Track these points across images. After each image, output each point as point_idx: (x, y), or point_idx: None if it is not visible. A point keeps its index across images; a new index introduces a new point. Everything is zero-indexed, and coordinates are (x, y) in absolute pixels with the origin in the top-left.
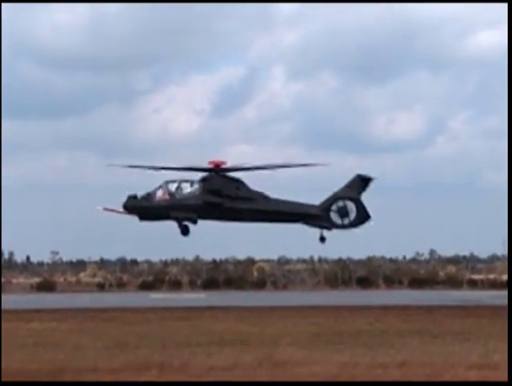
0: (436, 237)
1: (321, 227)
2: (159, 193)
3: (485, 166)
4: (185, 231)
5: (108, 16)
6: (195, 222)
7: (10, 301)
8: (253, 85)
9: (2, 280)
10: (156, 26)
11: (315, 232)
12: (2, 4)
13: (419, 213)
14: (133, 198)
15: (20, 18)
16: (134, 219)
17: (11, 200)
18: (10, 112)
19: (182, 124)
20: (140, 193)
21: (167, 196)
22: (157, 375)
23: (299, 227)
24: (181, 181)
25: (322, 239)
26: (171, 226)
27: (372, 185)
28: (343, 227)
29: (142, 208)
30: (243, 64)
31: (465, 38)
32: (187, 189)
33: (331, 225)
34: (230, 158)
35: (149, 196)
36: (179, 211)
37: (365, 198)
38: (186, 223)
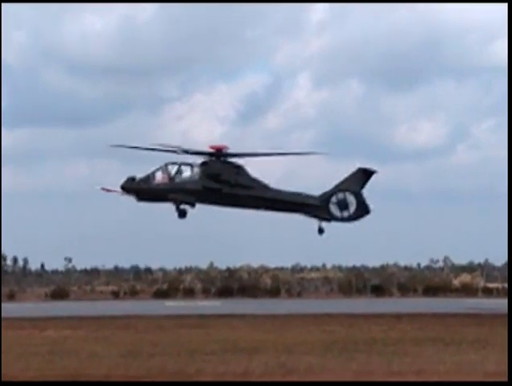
0: (452, 244)
1: (320, 218)
2: (159, 175)
3: (503, 173)
4: (182, 214)
5: (136, 24)
6: (193, 205)
7: (25, 309)
8: (278, 93)
9: (16, 288)
10: (183, 35)
11: (329, 240)
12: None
13: (436, 220)
14: (131, 179)
15: (50, 26)
16: (149, 228)
17: (29, 208)
18: (34, 119)
19: (205, 131)
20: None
21: (166, 179)
22: (171, 383)
23: (312, 236)
24: (181, 164)
25: (320, 231)
26: (185, 235)
27: (392, 192)
28: (342, 219)
29: (141, 190)
30: (268, 72)
31: (491, 45)
32: (186, 172)
33: (330, 217)
34: (250, 166)
35: (148, 178)
36: (177, 193)
37: (383, 204)
38: (184, 206)
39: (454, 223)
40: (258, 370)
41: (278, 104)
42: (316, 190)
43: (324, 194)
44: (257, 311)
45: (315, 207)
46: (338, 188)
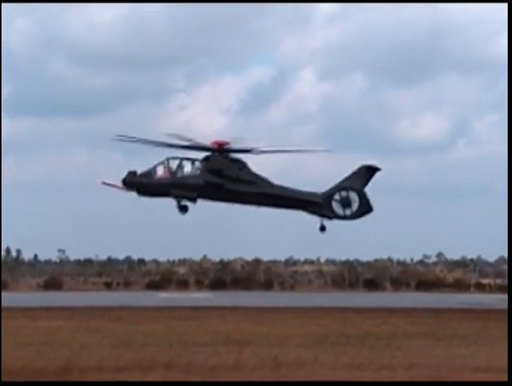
0: (446, 240)
1: (322, 215)
2: (160, 170)
3: (504, 170)
4: (183, 209)
5: (144, 15)
6: (194, 201)
7: (18, 299)
8: (282, 86)
9: (9, 279)
10: (190, 26)
11: (323, 235)
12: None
13: (432, 216)
14: (132, 174)
15: (57, 16)
16: (142, 218)
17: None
18: (36, 108)
19: (208, 122)
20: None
21: (167, 174)
22: (163, 374)
23: (306, 229)
24: (183, 159)
25: (322, 228)
26: (180, 226)
27: (390, 186)
28: (344, 217)
29: (142, 184)
30: (273, 64)
31: (496, 40)
32: (188, 167)
33: (332, 214)
34: (250, 160)
35: (149, 173)
36: (178, 189)
37: (380, 199)
38: (185, 202)
39: (449, 219)
40: (250, 362)
41: (281, 96)
42: (317, 185)
43: (327, 191)
44: (249, 304)
45: (318, 205)
46: (341, 186)
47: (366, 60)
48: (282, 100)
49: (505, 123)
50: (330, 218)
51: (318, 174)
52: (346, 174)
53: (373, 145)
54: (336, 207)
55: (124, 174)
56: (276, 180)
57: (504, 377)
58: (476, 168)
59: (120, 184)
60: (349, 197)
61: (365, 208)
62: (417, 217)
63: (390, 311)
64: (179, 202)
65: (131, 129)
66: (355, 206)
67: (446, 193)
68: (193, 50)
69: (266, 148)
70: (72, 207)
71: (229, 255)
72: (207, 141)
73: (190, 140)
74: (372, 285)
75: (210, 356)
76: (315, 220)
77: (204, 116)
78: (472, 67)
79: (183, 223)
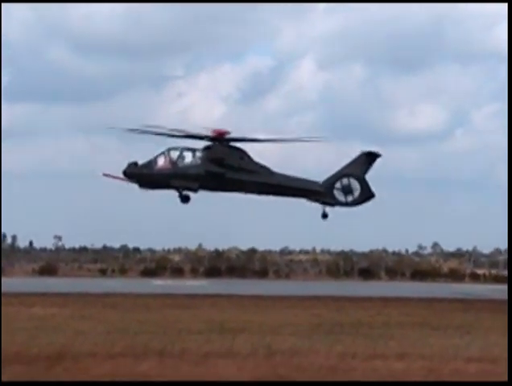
0: (441, 231)
1: (324, 203)
2: (161, 161)
3: (500, 161)
4: (185, 200)
5: (143, 4)
6: (196, 191)
7: (13, 284)
8: (281, 75)
9: (5, 263)
10: (190, 14)
11: (318, 224)
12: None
13: (429, 206)
14: (133, 165)
15: (56, 5)
16: (139, 207)
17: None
18: (34, 95)
19: (206, 110)
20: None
21: (168, 164)
22: (156, 360)
23: (302, 219)
24: (183, 149)
25: (324, 215)
26: (175, 215)
27: (387, 175)
28: (346, 204)
29: (143, 175)
30: (272, 54)
31: (495, 31)
32: (189, 157)
33: (334, 202)
34: (248, 146)
35: (150, 163)
36: (180, 179)
37: (377, 188)
38: (187, 192)
39: (445, 210)
40: (243, 350)
41: (280, 85)
42: (315, 173)
43: (329, 179)
44: (244, 292)
45: (320, 193)
46: (342, 173)
47: (365, 50)
48: (280, 89)
49: (503, 113)
50: (332, 205)
51: (316, 162)
52: (345, 162)
53: (372, 134)
54: (338, 195)
55: (124, 165)
56: (274, 169)
57: (496, 367)
58: (473, 158)
59: (121, 175)
60: (351, 184)
61: (367, 194)
62: (413, 207)
63: (385, 301)
64: (180, 192)
65: (129, 116)
66: (356, 192)
67: (442, 183)
68: (192, 38)
69: (266, 137)
70: (69, 194)
71: (224, 245)
72: (206, 131)
73: (185, 132)
74: (367, 274)
75: (204, 344)
76: (310, 210)
77: (203, 104)
78: (471, 58)
79: (179, 212)
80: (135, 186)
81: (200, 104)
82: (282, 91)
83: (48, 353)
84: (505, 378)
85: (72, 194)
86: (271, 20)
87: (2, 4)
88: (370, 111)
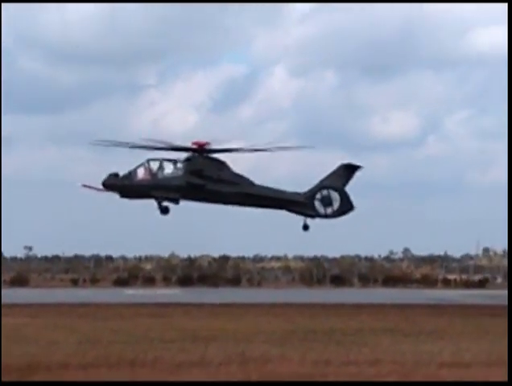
0: (412, 236)
1: (305, 215)
2: (141, 172)
3: (471, 167)
4: (165, 211)
5: (115, 12)
6: (177, 202)
7: None
8: (255, 83)
9: None
10: (163, 22)
11: (290, 230)
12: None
13: (400, 212)
14: (114, 176)
15: (28, 13)
16: (111, 215)
17: None
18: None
19: (179, 119)
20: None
21: (148, 175)
22: (129, 370)
23: (274, 225)
24: (163, 160)
25: (305, 227)
26: (148, 222)
27: (360, 182)
28: (326, 216)
29: (123, 186)
30: (245, 61)
31: (467, 37)
32: (169, 169)
33: (314, 214)
34: (222, 155)
35: (130, 175)
36: (160, 190)
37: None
38: (167, 203)
39: (417, 215)
40: (216, 358)
41: (254, 93)
42: (287, 181)
43: (309, 191)
44: (217, 300)
45: (301, 204)
46: (322, 184)
47: (338, 57)
48: (254, 97)
49: (474, 119)
50: (312, 217)
51: (287, 171)
52: (318, 171)
53: (345, 141)
54: (318, 206)
55: (102, 176)
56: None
57: (469, 372)
58: (443, 164)
59: (100, 186)
60: (331, 196)
61: (347, 207)
62: (385, 213)
63: (358, 307)
64: (160, 203)
65: (103, 125)
66: (336, 204)
67: (414, 189)
68: (165, 46)
69: (247, 147)
70: (40, 203)
71: (196, 252)
72: (184, 142)
73: (166, 143)
74: (339, 280)
75: (177, 353)
76: (283, 217)
77: (176, 112)
78: (443, 64)
79: (151, 220)
80: (109, 195)
81: (173, 113)
82: (256, 99)
83: (20, 364)
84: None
85: (43, 202)
86: (244, 27)
87: (2, 4)
88: (343, 118)
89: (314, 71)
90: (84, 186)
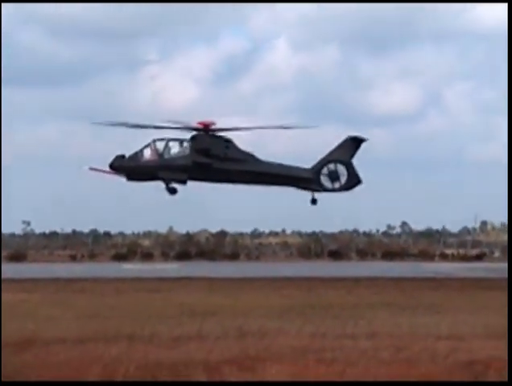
0: (410, 211)
1: (311, 190)
2: (147, 152)
3: (471, 140)
4: (172, 191)
5: None
6: (184, 182)
7: None
8: (255, 57)
9: None
10: None
11: (288, 206)
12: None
13: (399, 186)
14: (120, 157)
15: None
16: (109, 191)
17: None
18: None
19: (180, 93)
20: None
21: (155, 156)
22: (126, 344)
23: (272, 200)
24: (169, 140)
25: (314, 201)
26: (146, 198)
27: (359, 156)
28: (333, 190)
29: (130, 168)
30: (247, 36)
31: (469, 10)
32: (175, 148)
33: (322, 188)
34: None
35: (136, 156)
36: (167, 171)
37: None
38: (174, 184)
39: (417, 190)
40: (214, 332)
41: (255, 68)
42: (288, 156)
43: (316, 166)
44: (215, 274)
45: (308, 180)
46: (328, 158)
47: (339, 31)
48: (255, 71)
49: (475, 92)
50: (320, 191)
51: (287, 145)
52: (325, 147)
53: (346, 116)
54: (325, 181)
55: (110, 157)
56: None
57: (465, 344)
58: (443, 138)
59: (108, 169)
60: (337, 170)
61: (354, 180)
62: (384, 187)
63: (356, 281)
64: (167, 184)
65: (102, 100)
66: (343, 178)
67: (414, 163)
68: (166, 21)
69: (249, 126)
70: (38, 179)
71: (194, 228)
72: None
73: (181, 123)
74: (337, 255)
75: (174, 327)
76: (281, 192)
77: (176, 86)
78: (445, 38)
79: (149, 196)
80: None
81: (173, 87)
82: (257, 73)
83: (18, 339)
84: (470, 354)
85: (41, 178)
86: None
87: (2, 4)
88: (345, 92)
89: (315, 45)
90: (92, 169)
